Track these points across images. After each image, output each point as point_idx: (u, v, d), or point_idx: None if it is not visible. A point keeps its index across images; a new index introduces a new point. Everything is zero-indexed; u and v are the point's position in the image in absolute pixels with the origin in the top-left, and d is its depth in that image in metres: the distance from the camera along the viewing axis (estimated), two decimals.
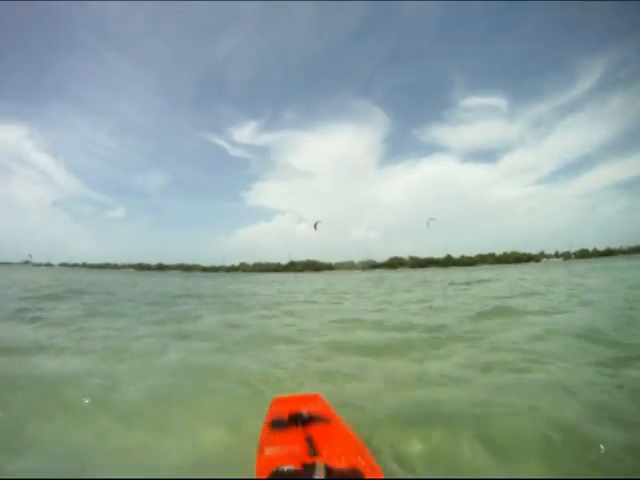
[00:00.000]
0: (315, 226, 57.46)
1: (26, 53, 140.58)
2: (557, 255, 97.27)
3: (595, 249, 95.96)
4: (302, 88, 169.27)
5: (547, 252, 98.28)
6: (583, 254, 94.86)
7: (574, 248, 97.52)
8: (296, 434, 2.03)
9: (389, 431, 2.52)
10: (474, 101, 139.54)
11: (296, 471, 1.61)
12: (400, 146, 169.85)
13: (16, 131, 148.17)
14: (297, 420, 2.17)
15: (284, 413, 2.29)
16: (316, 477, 1.51)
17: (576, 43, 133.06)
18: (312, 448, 1.82)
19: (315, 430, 2.06)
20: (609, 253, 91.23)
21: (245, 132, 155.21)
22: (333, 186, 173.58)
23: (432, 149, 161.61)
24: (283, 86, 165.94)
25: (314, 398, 2.69)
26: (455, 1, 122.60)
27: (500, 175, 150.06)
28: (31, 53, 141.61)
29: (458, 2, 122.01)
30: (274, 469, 1.64)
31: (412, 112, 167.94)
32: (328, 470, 1.56)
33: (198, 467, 2.17)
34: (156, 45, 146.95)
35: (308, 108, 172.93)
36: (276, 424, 2.18)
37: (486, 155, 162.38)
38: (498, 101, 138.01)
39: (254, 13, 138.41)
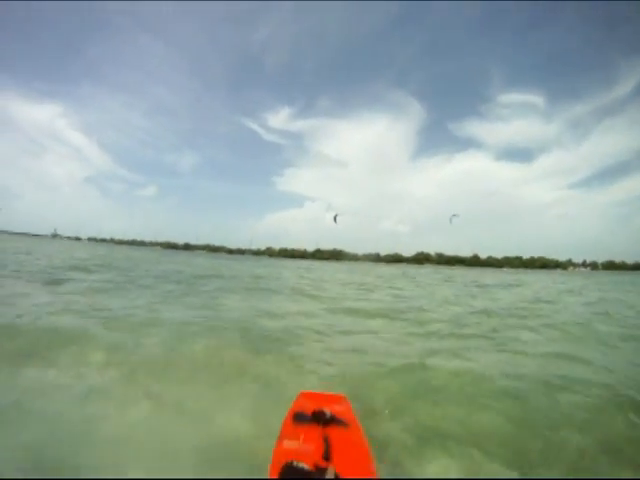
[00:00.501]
0: (335, 219, 56.99)
1: (60, 34, 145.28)
2: (584, 264, 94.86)
3: (623, 262, 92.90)
4: (337, 76, 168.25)
5: (574, 260, 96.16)
6: (610, 266, 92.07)
7: (602, 259, 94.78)
8: (315, 432, 2.13)
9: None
10: (512, 97, 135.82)
11: (308, 471, 1.70)
12: (435, 139, 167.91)
13: (49, 109, 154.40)
14: (319, 418, 2.25)
15: (308, 409, 2.37)
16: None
17: (618, 41, 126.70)
18: (327, 450, 1.93)
19: (333, 432, 2.16)
20: (638, 267, 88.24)
21: (279, 117, 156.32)
22: (364, 176, 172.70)
23: (467, 144, 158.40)
24: (318, 73, 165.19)
25: (338, 398, 2.75)
26: None
27: (534, 176, 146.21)
28: (65, 34, 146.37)
29: None
30: (288, 462, 1.74)
31: (448, 105, 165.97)
32: (337, 478, 1.71)
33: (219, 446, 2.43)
34: (190, 29, 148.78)
35: (342, 96, 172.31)
36: (298, 417, 2.28)
37: (521, 154, 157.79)
38: (536, 99, 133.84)
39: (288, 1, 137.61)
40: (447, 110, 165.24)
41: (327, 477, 1.68)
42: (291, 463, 1.72)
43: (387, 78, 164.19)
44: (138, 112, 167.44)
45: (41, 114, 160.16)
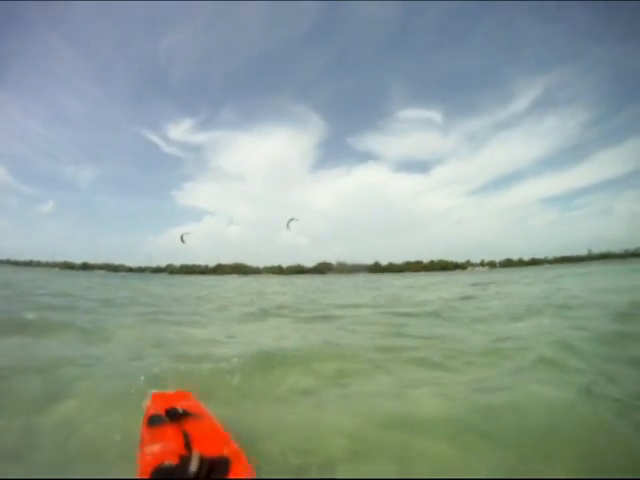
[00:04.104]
0: (182, 238, 55.04)
1: None
2: (483, 264, 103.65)
3: (520, 259, 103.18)
4: (242, 88, 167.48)
5: (473, 261, 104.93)
6: (508, 263, 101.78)
7: (500, 258, 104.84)
8: (173, 430, 2.19)
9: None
10: (410, 113, 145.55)
11: (175, 466, 1.77)
12: (334, 152, 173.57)
13: None
14: (173, 416, 2.35)
15: (161, 409, 2.46)
16: (191, 469, 1.71)
17: (517, 63, 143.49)
18: (188, 442, 2.01)
19: (189, 425, 2.26)
20: (534, 263, 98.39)
21: (180, 129, 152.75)
22: (265, 189, 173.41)
23: (366, 157, 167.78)
24: (223, 85, 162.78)
25: (186, 395, 2.92)
26: (412, 2, 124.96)
27: (431, 185, 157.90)
28: None
29: (413, 12, 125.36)
30: (154, 466, 1.78)
31: (348, 119, 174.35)
32: (201, 460, 1.76)
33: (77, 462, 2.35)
34: (101, 33, 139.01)
35: (246, 108, 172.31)
36: (154, 421, 2.32)
37: (418, 165, 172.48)
38: (434, 114, 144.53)
39: (203, 8, 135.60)
40: (347, 124, 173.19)
41: (192, 463, 1.74)
42: (157, 466, 1.76)
43: (290, 92, 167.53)
44: (38, 119, 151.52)
45: None
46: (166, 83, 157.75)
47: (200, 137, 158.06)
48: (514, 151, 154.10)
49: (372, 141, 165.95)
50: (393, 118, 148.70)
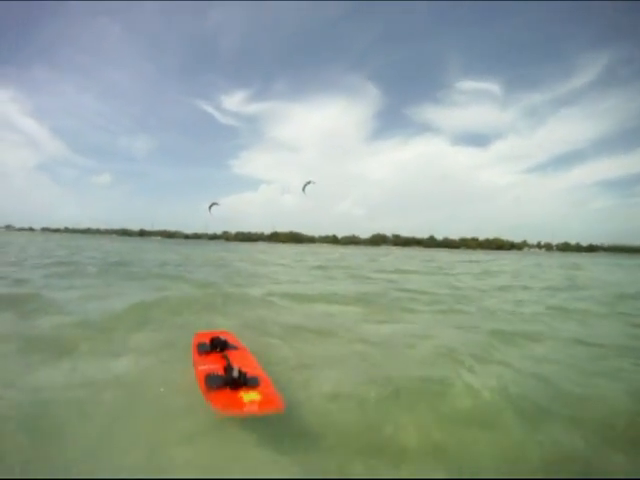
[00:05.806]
0: (210, 208, 46.29)
1: (12, 17, 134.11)
2: (539, 246, 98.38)
3: (578, 243, 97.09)
4: (294, 60, 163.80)
5: (530, 242, 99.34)
6: (565, 247, 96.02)
7: (557, 240, 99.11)
8: (218, 356, 2.98)
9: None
10: (469, 84, 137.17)
11: (221, 375, 2.53)
12: (391, 123, 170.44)
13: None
14: (217, 344, 3.14)
15: (207, 340, 3.26)
16: (234, 375, 2.43)
17: (578, 37, 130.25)
18: (229, 362, 2.69)
19: (230, 353, 3.01)
20: (591, 249, 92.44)
21: (235, 100, 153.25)
22: (320, 159, 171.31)
23: (423, 129, 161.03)
24: (274, 57, 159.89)
25: (226, 333, 3.68)
26: None
27: (489, 160, 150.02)
28: (17, 17, 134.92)
29: None
30: (207, 375, 2.56)
31: (405, 90, 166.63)
32: (240, 372, 2.44)
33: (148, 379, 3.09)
34: (147, 12, 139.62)
35: (299, 80, 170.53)
36: (202, 348, 3.16)
37: (477, 139, 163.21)
38: (493, 87, 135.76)
39: None
40: (404, 94, 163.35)
41: (234, 372, 2.44)
42: (209, 374, 2.57)
43: (344, 63, 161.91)
44: (91, 95, 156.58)
45: None
46: (217, 57, 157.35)
47: (254, 108, 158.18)
48: (574, 130, 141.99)
49: (430, 112, 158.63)
50: (451, 89, 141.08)
